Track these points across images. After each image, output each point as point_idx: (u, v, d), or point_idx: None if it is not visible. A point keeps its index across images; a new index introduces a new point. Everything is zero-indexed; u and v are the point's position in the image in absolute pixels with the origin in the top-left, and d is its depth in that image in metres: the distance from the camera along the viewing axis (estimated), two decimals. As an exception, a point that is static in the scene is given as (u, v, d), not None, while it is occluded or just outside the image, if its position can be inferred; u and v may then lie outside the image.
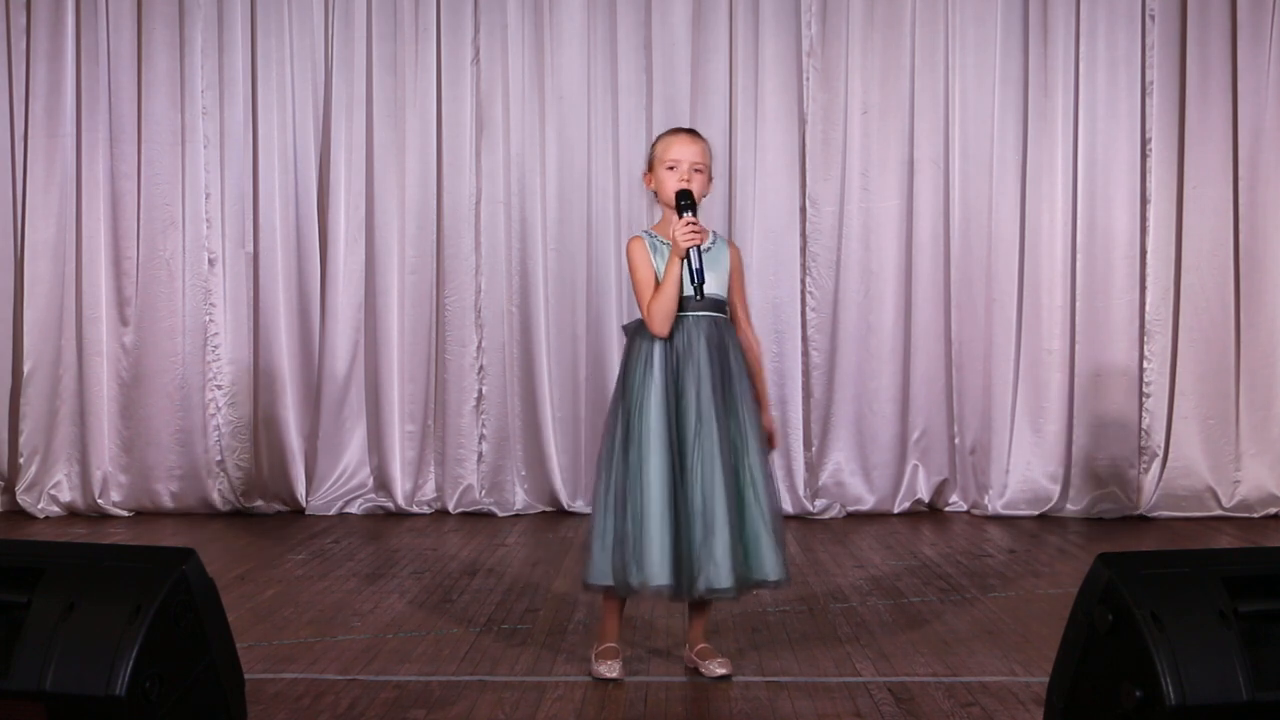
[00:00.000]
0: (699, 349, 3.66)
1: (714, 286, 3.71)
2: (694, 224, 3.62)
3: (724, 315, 3.75)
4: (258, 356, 6.66)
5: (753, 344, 3.82)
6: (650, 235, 3.79)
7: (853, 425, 6.60)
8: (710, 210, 6.56)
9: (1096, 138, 6.50)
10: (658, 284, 3.68)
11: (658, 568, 3.59)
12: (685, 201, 3.65)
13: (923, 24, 6.55)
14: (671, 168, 3.72)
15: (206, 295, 6.61)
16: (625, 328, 3.85)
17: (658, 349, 3.68)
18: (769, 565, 3.66)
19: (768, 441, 3.76)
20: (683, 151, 3.72)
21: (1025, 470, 6.51)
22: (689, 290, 3.63)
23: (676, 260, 3.64)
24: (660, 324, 3.66)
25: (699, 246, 3.63)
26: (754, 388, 3.78)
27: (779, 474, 6.45)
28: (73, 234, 6.60)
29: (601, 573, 3.68)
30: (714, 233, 3.83)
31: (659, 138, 3.83)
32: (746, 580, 3.67)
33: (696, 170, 3.72)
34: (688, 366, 3.66)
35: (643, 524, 3.60)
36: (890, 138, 6.57)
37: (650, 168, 3.80)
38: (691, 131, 3.84)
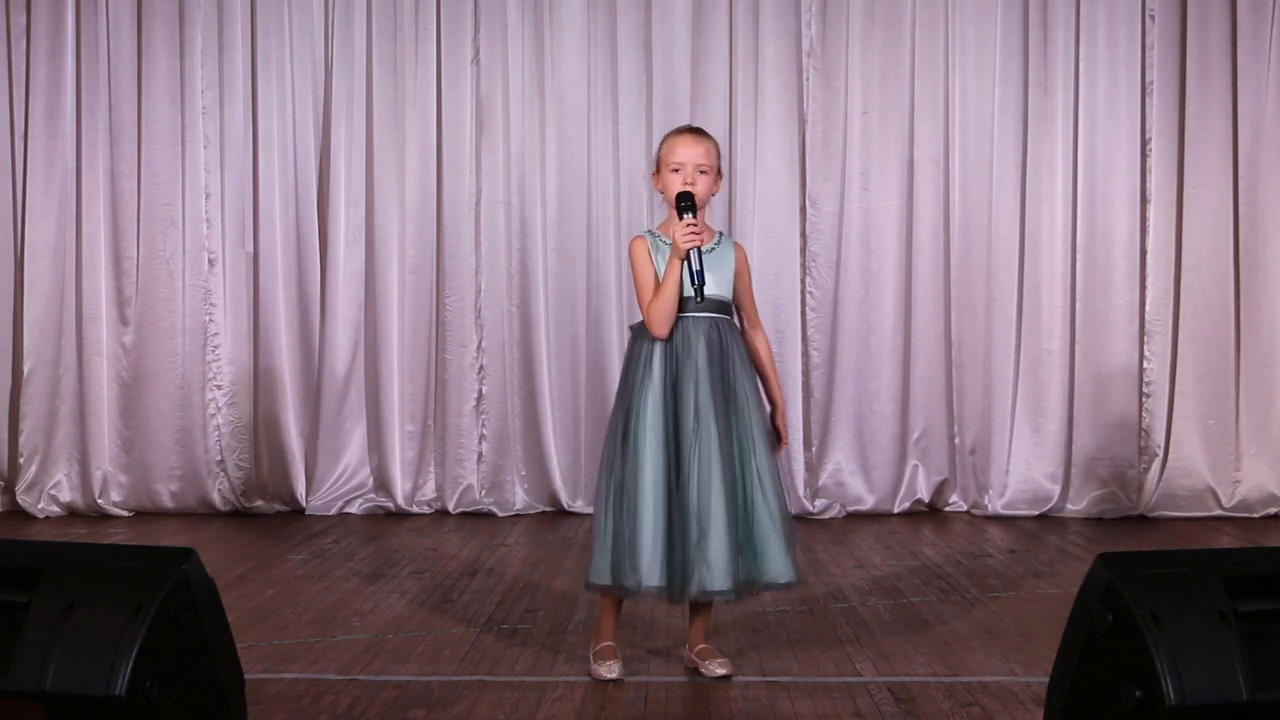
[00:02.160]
0: (698, 350, 3.66)
1: (716, 287, 3.70)
2: (694, 225, 3.61)
3: (727, 316, 3.74)
4: (258, 356, 6.66)
5: (761, 344, 3.83)
6: (653, 235, 3.79)
7: (853, 425, 6.60)
8: (711, 210, 6.57)
9: (1096, 138, 6.50)
10: (658, 284, 3.68)
11: (650, 569, 3.59)
12: (685, 203, 3.64)
13: (923, 24, 6.55)
14: (676, 170, 3.71)
15: (206, 295, 6.61)
16: (632, 328, 3.84)
17: (658, 350, 3.68)
18: (778, 567, 3.66)
19: (777, 441, 3.77)
20: (687, 153, 3.71)
21: (1025, 470, 6.51)
22: (689, 292, 3.63)
23: (676, 262, 3.63)
24: (659, 325, 3.66)
25: (699, 248, 3.62)
26: (763, 388, 3.80)
27: (780, 476, 6.49)
28: (73, 234, 6.60)
29: (600, 573, 3.68)
30: (720, 233, 3.83)
31: (665, 138, 3.82)
32: (752, 582, 3.67)
33: (701, 171, 3.71)
34: (686, 367, 3.65)
35: (636, 525, 3.60)
36: (890, 138, 6.57)
37: (657, 169, 3.79)
38: (696, 131, 3.82)
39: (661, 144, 3.81)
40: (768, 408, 3.82)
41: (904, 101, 6.56)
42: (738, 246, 3.83)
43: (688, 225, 3.61)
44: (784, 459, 6.47)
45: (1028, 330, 6.53)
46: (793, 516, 6.22)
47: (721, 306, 3.73)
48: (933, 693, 3.57)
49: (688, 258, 3.61)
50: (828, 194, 6.59)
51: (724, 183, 6.45)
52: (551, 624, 4.35)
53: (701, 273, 3.61)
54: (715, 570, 3.56)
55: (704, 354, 3.66)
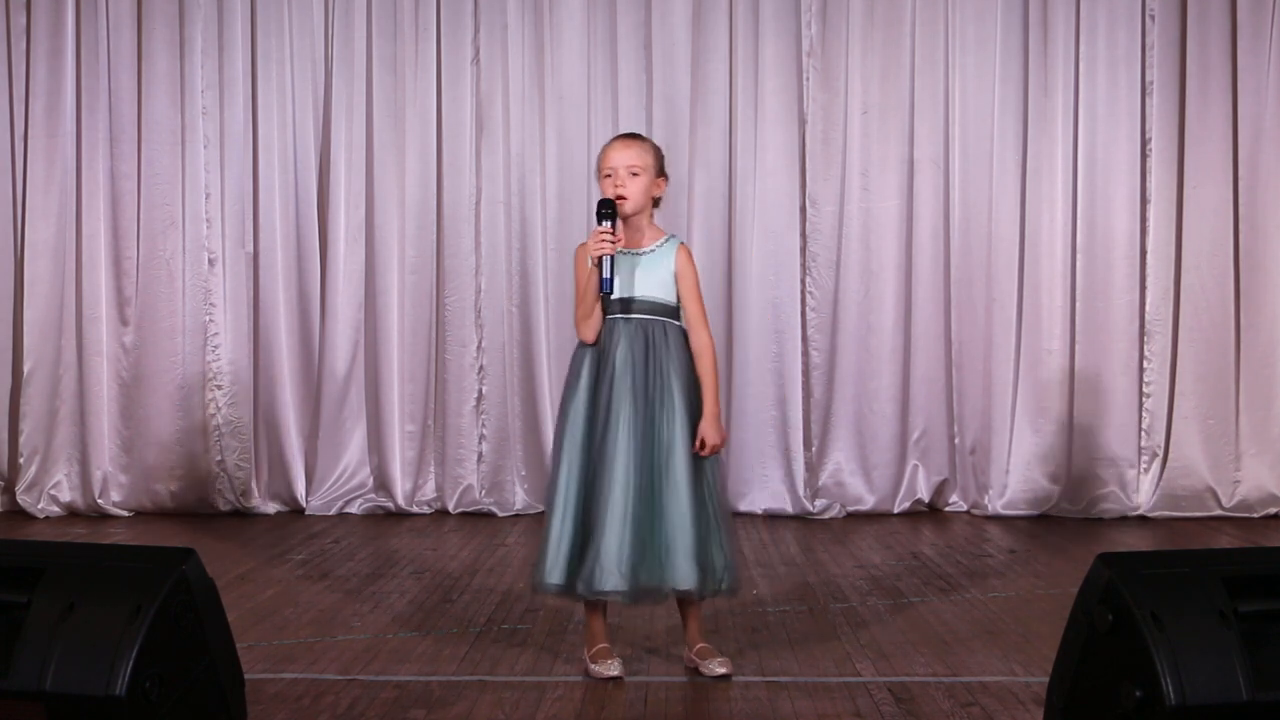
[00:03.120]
0: (617, 352, 3.72)
1: (649, 289, 3.75)
2: (606, 233, 3.67)
3: (661, 319, 3.76)
4: (258, 356, 6.66)
5: (701, 348, 3.79)
6: None
7: (853, 425, 6.59)
8: (711, 210, 6.59)
9: (1096, 138, 6.50)
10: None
11: (553, 568, 3.69)
12: (604, 210, 3.71)
13: (923, 24, 6.55)
14: (608, 175, 3.77)
15: (206, 295, 6.61)
16: None
17: (588, 353, 3.78)
18: (680, 572, 3.65)
19: (701, 447, 3.70)
20: (617, 158, 3.76)
21: (1025, 470, 6.50)
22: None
23: (594, 269, 3.69)
24: (580, 329, 3.78)
25: (612, 255, 3.65)
26: (696, 391, 3.76)
27: (779, 474, 6.50)
28: (73, 234, 6.60)
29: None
30: (669, 235, 3.85)
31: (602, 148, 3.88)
32: (655, 586, 3.66)
33: (634, 174, 3.75)
34: (605, 369, 3.73)
35: (549, 525, 3.74)
36: (890, 138, 6.57)
37: (600, 179, 3.84)
38: (628, 136, 3.89)
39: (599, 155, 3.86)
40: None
41: (904, 101, 6.56)
42: (682, 249, 3.82)
43: (600, 233, 3.67)
44: (784, 459, 6.50)
45: (1028, 330, 6.53)
46: (789, 516, 6.35)
47: (654, 308, 3.76)
48: (933, 693, 3.57)
49: (599, 263, 3.66)
50: (828, 194, 6.59)
51: (724, 183, 6.55)
52: (551, 624, 4.35)
53: (610, 280, 3.66)
54: (605, 569, 3.61)
55: (622, 355, 3.71)
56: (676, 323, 3.79)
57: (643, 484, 3.65)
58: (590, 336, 3.75)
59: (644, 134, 4.01)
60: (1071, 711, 2.65)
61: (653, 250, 3.79)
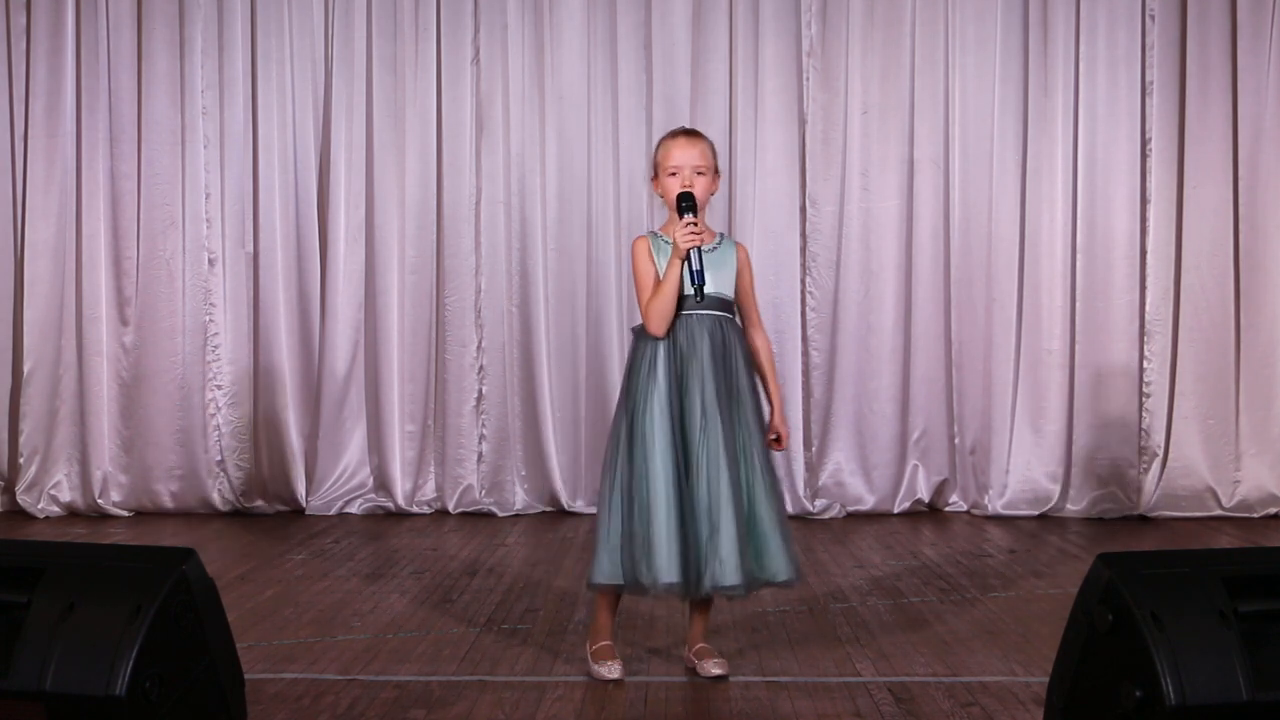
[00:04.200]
0: (703, 347, 3.68)
1: (718, 286, 3.73)
2: (694, 225, 3.64)
3: (729, 315, 3.77)
4: (258, 356, 6.66)
5: (763, 344, 3.86)
6: (655, 235, 3.82)
7: (853, 425, 6.59)
8: (711, 210, 6.57)
9: (1096, 138, 6.50)
10: (658, 283, 3.70)
11: (666, 565, 3.59)
12: (686, 203, 3.68)
13: (923, 24, 6.55)
14: (674, 174, 3.75)
15: (206, 295, 6.61)
16: (634, 329, 3.86)
17: (662, 348, 3.70)
18: (779, 565, 3.69)
19: (776, 442, 3.80)
20: (683, 156, 3.75)
21: (1025, 470, 6.51)
22: (689, 291, 3.66)
23: (677, 261, 3.67)
24: (657, 323, 3.69)
25: (699, 248, 3.65)
26: (762, 387, 3.82)
27: (779, 474, 6.50)
28: (73, 234, 6.60)
29: (606, 572, 3.70)
30: (721, 234, 3.86)
31: (660, 141, 3.84)
32: (755, 579, 3.68)
33: (699, 173, 3.75)
34: (692, 365, 3.68)
35: (650, 522, 3.62)
36: (890, 138, 6.57)
37: (655, 173, 3.82)
38: (691, 133, 3.85)
39: (658, 148, 3.84)
40: (766, 407, 3.83)
41: (904, 101, 6.56)
42: (740, 247, 3.86)
43: (688, 225, 3.64)
44: (784, 459, 6.49)
45: (1028, 330, 6.53)
46: (790, 516, 6.35)
47: (723, 304, 3.76)
48: (933, 693, 3.57)
49: (688, 257, 3.64)
50: (828, 194, 6.59)
51: (724, 183, 6.52)
52: (551, 624, 4.35)
53: (701, 272, 3.65)
54: (727, 566, 3.59)
55: (708, 351, 3.68)
56: (734, 318, 3.80)
57: (737, 480, 3.65)
58: (663, 331, 3.69)
59: (703, 131, 3.96)
60: (1071, 711, 2.65)
61: (715, 248, 3.78)
